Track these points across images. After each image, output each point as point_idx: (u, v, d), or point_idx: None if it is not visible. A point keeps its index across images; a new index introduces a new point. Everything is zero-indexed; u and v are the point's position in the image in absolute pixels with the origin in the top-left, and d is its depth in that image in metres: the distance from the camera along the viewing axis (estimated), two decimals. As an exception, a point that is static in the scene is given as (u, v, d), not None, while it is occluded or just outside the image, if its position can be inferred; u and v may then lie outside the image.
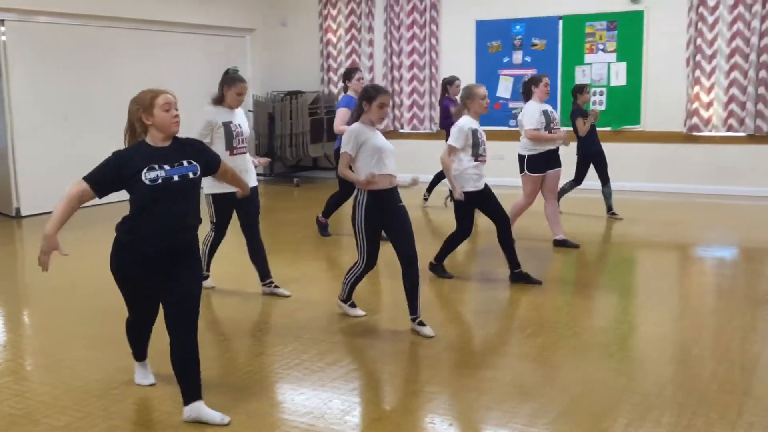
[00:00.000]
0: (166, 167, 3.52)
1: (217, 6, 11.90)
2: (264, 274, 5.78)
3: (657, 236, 7.87)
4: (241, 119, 5.73)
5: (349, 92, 7.41)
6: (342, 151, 4.82)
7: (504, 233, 5.92)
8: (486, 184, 5.91)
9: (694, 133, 10.40)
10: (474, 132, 5.80)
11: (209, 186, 5.46)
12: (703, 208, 9.57)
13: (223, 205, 5.60)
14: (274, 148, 12.22)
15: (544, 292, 5.75)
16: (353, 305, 5.20)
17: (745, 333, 4.77)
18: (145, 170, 3.48)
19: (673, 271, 6.77)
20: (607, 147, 8.60)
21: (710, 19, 10.16)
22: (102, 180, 3.53)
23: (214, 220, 5.71)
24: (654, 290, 5.94)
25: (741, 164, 10.18)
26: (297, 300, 5.63)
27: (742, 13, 9.98)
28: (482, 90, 5.91)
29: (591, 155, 8.41)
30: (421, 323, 4.78)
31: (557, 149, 7.10)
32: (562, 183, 7.60)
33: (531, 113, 6.98)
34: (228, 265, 6.94)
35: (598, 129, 8.53)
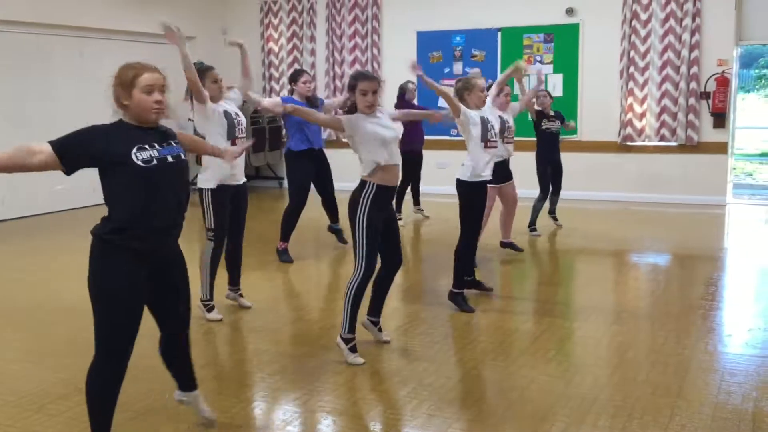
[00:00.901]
0: (157, 146, 2.97)
1: (155, 13, 11.74)
2: (234, 279, 5.57)
3: (592, 243, 8.05)
4: (236, 108, 5.40)
5: (294, 95, 7.23)
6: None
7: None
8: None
9: (628, 143, 10.69)
10: (483, 119, 5.50)
11: (205, 180, 5.16)
12: (636, 216, 9.83)
13: (220, 202, 5.16)
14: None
15: (483, 299, 5.82)
16: (354, 349, 4.49)
17: (678, 337, 4.92)
18: (134, 150, 2.90)
19: (609, 277, 6.93)
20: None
21: (643, 32, 10.47)
22: (71, 149, 2.91)
23: (212, 225, 5.17)
24: (590, 296, 6.08)
25: (673, 173, 10.49)
26: (240, 309, 5.59)
27: (673, 27, 10.30)
28: (481, 82, 5.60)
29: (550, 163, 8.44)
30: (380, 328, 4.80)
31: (507, 161, 7.00)
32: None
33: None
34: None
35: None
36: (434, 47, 11.66)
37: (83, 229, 9.89)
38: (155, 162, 2.93)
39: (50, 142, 2.90)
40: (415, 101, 9.31)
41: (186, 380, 3.51)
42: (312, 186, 7.37)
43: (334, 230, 7.79)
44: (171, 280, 3.18)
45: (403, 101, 9.11)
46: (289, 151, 7.23)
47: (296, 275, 6.91)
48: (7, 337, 5.11)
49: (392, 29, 11.89)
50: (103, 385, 3.08)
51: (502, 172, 6.85)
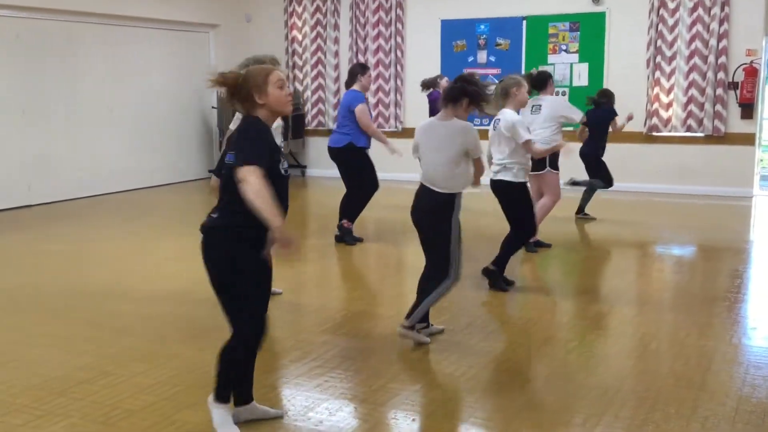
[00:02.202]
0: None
1: (180, 1, 11.79)
2: None
3: (617, 234, 7.99)
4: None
5: (356, 87, 7.30)
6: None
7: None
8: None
9: (654, 134, 10.57)
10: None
11: None
12: (661, 207, 9.73)
13: None
14: (238, 145, 12.13)
15: (503, 292, 5.79)
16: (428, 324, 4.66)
17: (702, 329, 4.87)
18: (281, 157, 3.23)
19: (633, 268, 6.88)
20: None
21: (670, 21, 10.34)
22: (267, 158, 3.09)
23: None
24: (613, 287, 6.04)
25: (699, 164, 10.37)
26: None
27: (702, 16, 10.16)
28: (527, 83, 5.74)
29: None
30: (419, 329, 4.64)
31: None
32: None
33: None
34: (194, 263, 6.92)
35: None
36: (458, 36, 11.59)
37: (107, 215, 10.03)
38: (287, 174, 3.27)
39: (255, 165, 3.01)
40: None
41: (249, 388, 3.51)
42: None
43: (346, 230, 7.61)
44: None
45: (436, 89, 9.05)
46: (353, 145, 7.21)
47: (316, 265, 6.92)
48: (32, 322, 5.18)
49: (416, 17, 11.84)
50: (243, 354, 3.33)
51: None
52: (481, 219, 7.76)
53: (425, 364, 4.32)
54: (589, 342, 4.76)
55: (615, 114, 8.44)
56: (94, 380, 4.02)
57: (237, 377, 3.41)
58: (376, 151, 7.59)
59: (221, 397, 3.34)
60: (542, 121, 6.92)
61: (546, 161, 6.88)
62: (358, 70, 7.35)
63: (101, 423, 3.54)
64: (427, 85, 9.21)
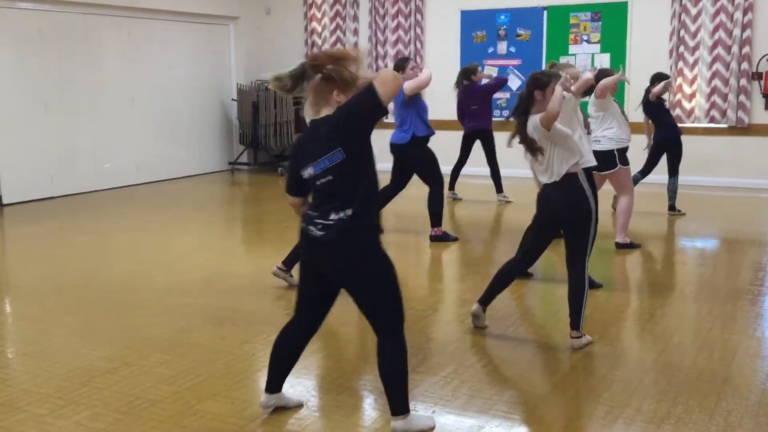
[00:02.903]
0: None
1: (201, -7, 11.83)
2: (291, 258, 5.57)
3: (639, 226, 7.91)
4: None
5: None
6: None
7: None
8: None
9: (677, 124, 10.44)
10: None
11: None
12: (684, 199, 9.62)
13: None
14: (258, 138, 12.18)
15: (526, 283, 5.78)
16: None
17: (725, 322, 4.82)
18: None
19: (655, 261, 6.82)
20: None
21: (693, 11, 10.21)
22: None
23: None
24: (636, 279, 5.99)
25: (722, 155, 10.26)
26: (281, 288, 5.62)
27: (725, 5, 10.03)
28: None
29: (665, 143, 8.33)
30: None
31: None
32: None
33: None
34: (216, 254, 6.95)
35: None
36: (478, 26, 11.52)
37: (129, 207, 10.09)
38: None
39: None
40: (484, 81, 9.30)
41: (284, 378, 3.57)
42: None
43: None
44: None
45: (471, 82, 9.00)
46: (415, 137, 7.02)
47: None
48: (55, 312, 5.23)
49: (436, 8, 11.77)
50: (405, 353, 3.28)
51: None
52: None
53: (446, 354, 4.31)
54: (610, 334, 4.73)
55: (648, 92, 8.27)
56: (117, 370, 4.06)
57: (288, 366, 3.50)
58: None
59: (407, 406, 3.30)
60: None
61: (616, 158, 6.66)
62: (402, 64, 7.23)
63: (123, 413, 3.57)
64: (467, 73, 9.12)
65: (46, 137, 9.76)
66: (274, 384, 3.52)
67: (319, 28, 12.65)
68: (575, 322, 4.36)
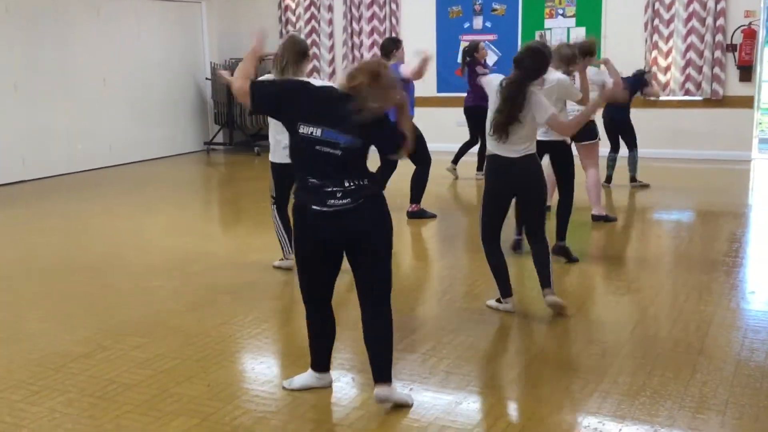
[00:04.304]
0: None
1: (171, -29, 11.63)
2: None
3: (614, 199, 7.95)
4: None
5: (393, 61, 7.08)
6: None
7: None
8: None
9: (652, 98, 10.47)
10: None
11: (272, 153, 5.27)
12: (659, 172, 9.68)
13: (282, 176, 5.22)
14: (233, 117, 12.06)
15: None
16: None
17: (700, 294, 4.86)
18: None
19: (631, 234, 6.86)
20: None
21: (668, -17, 10.21)
22: None
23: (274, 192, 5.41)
24: (611, 252, 6.02)
25: (697, 128, 10.30)
26: (258, 269, 5.59)
27: (699, -23, 10.03)
28: None
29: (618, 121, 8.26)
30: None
31: None
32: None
33: None
34: (191, 235, 6.90)
35: None
36: (453, 2, 11.43)
37: (102, 189, 9.97)
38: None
39: None
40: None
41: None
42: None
43: None
44: None
45: (474, 60, 8.87)
46: None
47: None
48: (29, 297, 5.17)
49: (410, -17, 11.68)
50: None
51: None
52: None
53: (424, 333, 4.31)
54: (586, 308, 4.75)
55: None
56: (91, 354, 4.02)
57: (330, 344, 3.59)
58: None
59: (391, 373, 3.40)
60: None
61: (597, 128, 6.64)
62: (392, 46, 7.13)
63: (99, 397, 3.54)
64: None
65: (17, 119, 9.59)
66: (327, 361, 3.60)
67: (293, 5, 12.50)
68: (549, 279, 4.52)
